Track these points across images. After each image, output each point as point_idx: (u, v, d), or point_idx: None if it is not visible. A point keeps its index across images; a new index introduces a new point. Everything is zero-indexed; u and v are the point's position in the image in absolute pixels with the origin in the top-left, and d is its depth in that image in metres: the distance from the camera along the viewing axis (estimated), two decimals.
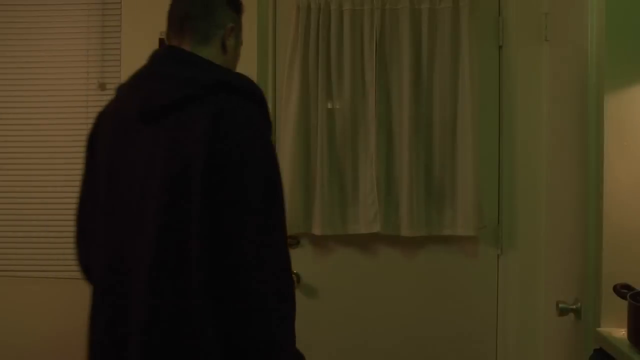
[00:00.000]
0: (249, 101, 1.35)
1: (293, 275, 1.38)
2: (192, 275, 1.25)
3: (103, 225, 1.40)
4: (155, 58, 1.44)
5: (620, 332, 1.56)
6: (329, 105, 2.40)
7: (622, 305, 1.50)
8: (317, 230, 2.37)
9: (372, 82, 2.38)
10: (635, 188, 1.62)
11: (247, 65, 2.45)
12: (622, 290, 1.53)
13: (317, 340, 2.49)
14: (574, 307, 1.80)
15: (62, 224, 2.59)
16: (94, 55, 2.58)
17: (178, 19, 1.46)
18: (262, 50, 2.48)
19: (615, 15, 1.62)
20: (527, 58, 2.37)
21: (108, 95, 2.57)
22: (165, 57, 1.42)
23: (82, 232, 1.53)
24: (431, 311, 2.46)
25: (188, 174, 1.25)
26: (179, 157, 1.27)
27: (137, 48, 2.53)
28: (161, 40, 2.49)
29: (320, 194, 2.36)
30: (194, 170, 1.24)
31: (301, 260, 2.49)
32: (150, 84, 1.37)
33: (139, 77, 1.41)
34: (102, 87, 2.57)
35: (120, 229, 1.36)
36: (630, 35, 1.61)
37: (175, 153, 1.27)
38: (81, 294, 2.57)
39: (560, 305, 1.83)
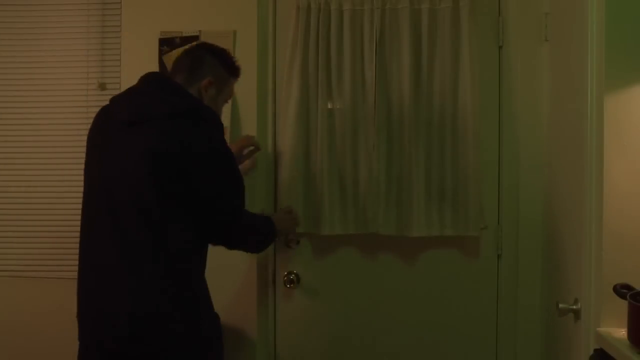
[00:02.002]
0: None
1: None
2: None
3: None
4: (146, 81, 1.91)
5: (620, 332, 1.56)
6: (329, 105, 2.40)
7: (622, 305, 1.50)
8: (317, 230, 2.37)
9: (372, 82, 2.38)
10: (635, 188, 1.62)
11: (247, 66, 2.47)
12: (622, 290, 1.53)
13: (316, 340, 2.49)
14: (574, 307, 1.80)
15: (62, 224, 2.59)
16: (94, 55, 2.58)
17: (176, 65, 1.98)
18: (262, 50, 2.48)
19: (615, 15, 1.62)
20: (527, 58, 2.37)
21: (108, 95, 2.57)
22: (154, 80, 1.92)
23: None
24: (431, 311, 2.46)
25: None
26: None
27: (137, 48, 2.53)
28: (161, 41, 2.50)
29: (320, 194, 2.36)
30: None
31: (301, 260, 2.49)
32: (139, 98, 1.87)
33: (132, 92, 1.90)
34: (102, 87, 2.57)
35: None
36: (630, 36, 1.61)
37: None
38: None
39: (560, 305, 1.83)
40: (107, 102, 1.98)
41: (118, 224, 1.79)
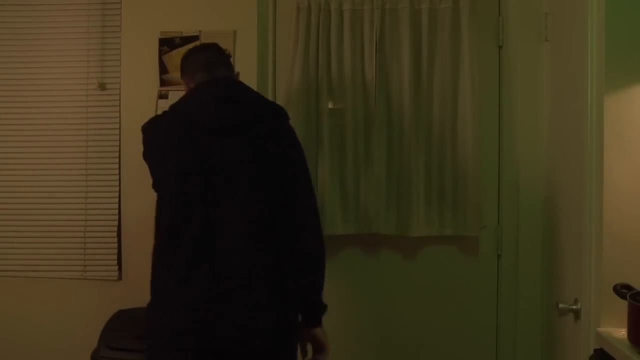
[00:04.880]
0: None
1: None
2: None
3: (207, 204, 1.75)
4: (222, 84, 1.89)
5: (620, 332, 1.56)
6: (330, 105, 2.40)
7: (622, 305, 1.50)
8: None
9: (372, 82, 2.38)
10: (635, 188, 1.62)
11: (247, 66, 2.47)
12: (622, 290, 1.53)
13: None
14: (574, 307, 1.80)
15: (62, 224, 2.59)
16: (94, 55, 2.58)
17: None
18: (262, 50, 2.48)
19: (615, 15, 1.62)
20: (527, 58, 2.37)
21: (108, 95, 2.58)
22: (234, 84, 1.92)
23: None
24: (431, 311, 2.46)
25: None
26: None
27: (137, 48, 2.54)
28: (161, 41, 2.50)
29: (321, 194, 2.36)
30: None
31: None
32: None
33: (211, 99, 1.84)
34: (102, 87, 2.57)
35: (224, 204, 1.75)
36: (630, 35, 1.61)
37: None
38: (81, 294, 2.58)
39: (560, 305, 1.83)
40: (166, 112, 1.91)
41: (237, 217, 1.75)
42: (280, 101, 2.45)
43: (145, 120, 2.49)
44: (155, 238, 1.83)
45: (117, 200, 2.57)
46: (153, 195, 2.51)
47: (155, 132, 1.87)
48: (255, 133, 1.80)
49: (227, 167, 1.77)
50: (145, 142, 1.88)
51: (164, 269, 1.79)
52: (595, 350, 1.61)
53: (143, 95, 2.51)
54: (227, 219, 1.74)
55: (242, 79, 2.47)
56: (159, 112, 2.49)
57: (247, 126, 1.80)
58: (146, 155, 1.88)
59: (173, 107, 1.89)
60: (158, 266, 1.81)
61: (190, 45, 2.48)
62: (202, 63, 1.94)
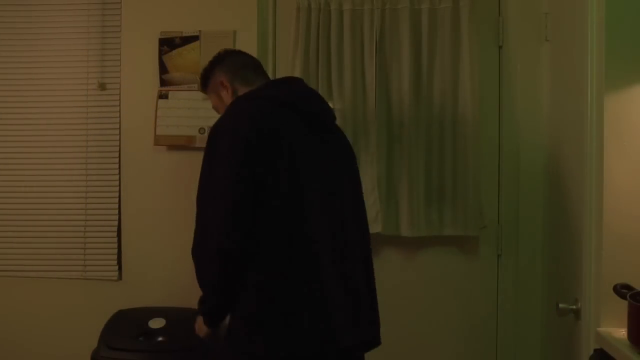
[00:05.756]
0: None
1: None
2: None
3: (320, 202, 1.72)
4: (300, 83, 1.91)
5: (620, 332, 1.56)
6: (330, 105, 2.39)
7: (622, 305, 1.50)
8: None
9: (372, 82, 2.38)
10: (635, 187, 1.62)
11: None
12: (622, 290, 1.52)
13: None
14: (574, 307, 1.80)
15: (62, 223, 2.59)
16: (94, 55, 2.58)
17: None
18: (262, 50, 2.48)
19: (615, 15, 1.62)
20: (527, 58, 2.37)
21: (108, 95, 2.58)
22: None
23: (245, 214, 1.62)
24: (431, 311, 2.46)
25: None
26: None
27: (137, 48, 2.53)
28: (161, 41, 2.50)
29: None
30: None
31: None
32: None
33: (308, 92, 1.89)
34: (102, 87, 2.57)
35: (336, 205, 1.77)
36: (630, 36, 1.61)
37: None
38: (81, 294, 2.58)
39: (560, 305, 1.83)
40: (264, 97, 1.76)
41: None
42: None
43: (146, 120, 2.50)
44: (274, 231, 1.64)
45: (117, 200, 2.57)
46: (153, 196, 2.52)
47: (270, 125, 1.68)
48: (338, 131, 1.91)
49: (334, 161, 1.81)
50: (252, 134, 1.65)
51: (293, 274, 1.64)
52: (595, 350, 1.61)
53: (143, 95, 2.51)
54: (345, 224, 1.78)
55: None
56: (159, 112, 2.49)
57: (333, 122, 1.90)
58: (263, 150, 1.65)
59: (271, 97, 1.74)
60: (285, 270, 1.64)
61: (191, 45, 2.49)
62: (249, 62, 1.92)
